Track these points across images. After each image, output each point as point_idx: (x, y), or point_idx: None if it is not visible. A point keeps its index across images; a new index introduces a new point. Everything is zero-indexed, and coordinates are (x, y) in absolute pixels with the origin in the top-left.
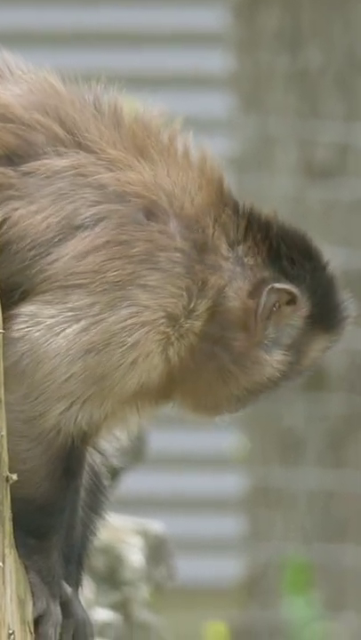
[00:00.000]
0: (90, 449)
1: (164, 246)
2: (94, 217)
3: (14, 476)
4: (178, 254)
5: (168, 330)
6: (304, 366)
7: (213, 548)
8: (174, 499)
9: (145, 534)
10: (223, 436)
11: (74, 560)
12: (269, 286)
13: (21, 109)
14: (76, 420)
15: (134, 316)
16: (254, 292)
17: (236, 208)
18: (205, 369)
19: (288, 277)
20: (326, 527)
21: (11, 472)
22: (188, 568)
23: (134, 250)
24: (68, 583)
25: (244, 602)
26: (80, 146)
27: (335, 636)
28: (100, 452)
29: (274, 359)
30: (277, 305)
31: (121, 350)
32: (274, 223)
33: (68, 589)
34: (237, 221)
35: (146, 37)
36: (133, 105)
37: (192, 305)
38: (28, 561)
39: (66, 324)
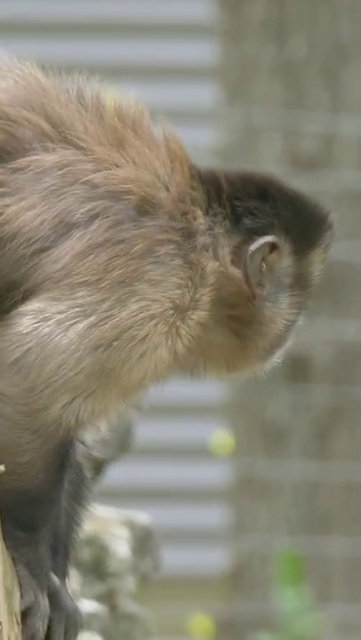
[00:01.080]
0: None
1: (161, 241)
2: (88, 214)
3: (2, 467)
4: (173, 246)
5: (176, 321)
6: (315, 284)
7: (199, 539)
8: (160, 490)
9: (131, 525)
10: (208, 428)
11: (60, 551)
12: (248, 252)
13: (7, 105)
14: (78, 413)
15: (144, 310)
16: (237, 261)
17: (200, 179)
18: (223, 342)
19: (258, 230)
20: (311, 518)
21: (8, 465)
22: (174, 559)
23: (135, 247)
24: (55, 574)
25: (230, 593)
26: (67, 141)
27: (322, 627)
28: (81, 443)
29: (283, 307)
30: (263, 261)
31: (130, 345)
32: (222, 181)
33: (56, 580)
34: (203, 193)
35: (131, 28)
36: (115, 95)
37: (198, 295)
38: (16, 553)
39: (76, 320)
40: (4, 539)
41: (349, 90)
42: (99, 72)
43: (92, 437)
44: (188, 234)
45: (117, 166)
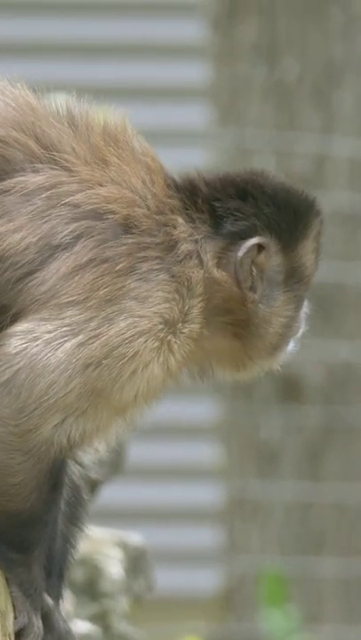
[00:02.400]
0: (69, 461)
1: (142, 257)
2: (72, 234)
3: None
4: (155, 262)
5: (167, 336)
6: (312, 273)
7: (191, 560)
8: (152, 510)
9: (124, 546)
10: (201, 448)
11: (55, 573)
12: (237, 258)
13: None
14: (69, 433)
15: (132, 327)
16: (225, 265)
17: (176, 186)
18: (226, 346)
19: (241, 232)
20: (303, 539)
21: (0, 486)
22: (167, 580)
23: (118, 266)
24: (48, 595)
25: (222, 614)
26: (54, 162)
27: None
28: (79, 465)
29: (279, 305)
30: (253, 264)
31: (121, 363)
32: (201, 185)
33: (50, 602)
34: (179, 200)
35: (124, 49)
36: (103, 115)
37: (186, 307)
38: (9, 574)
39: (64, 339)
40: None
41: (341, 111)
42: (91, 93)
43: (90, 459)
44: (170, 246)
45: (100, 185)
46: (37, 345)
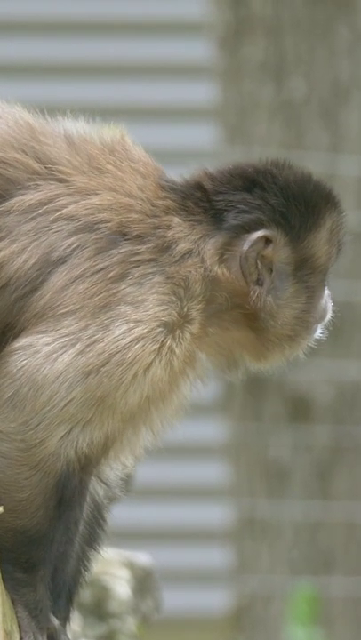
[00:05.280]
0: (93, 479)
1: (138, 261)
2: (69, 248)
3: (0, 508)
4: (148, 265)
5: (167, 338)
6: (327, 263)
7: (200, 580)
8: (161, 531)
9: (131, 566)
10: (210, 468)
11: (64, 594)
12: (242, 252)
13: None
14: (76, 444)
15: (128, 333)
16: (230, 260)
17: (172, 187)
18: (242, 339)
19: (246, 225)
20: (313, 558)
21: (7, 502)
22: (175, 600)
23: (112, 272)
24: (56, 616)
25: (231, 634)
26: (53, 176)
27: None
28: (103, 483)
29: (288, 297)
30: (259, 257)
31: (120, 369)
32: (205, 180)
33: (56, 622)
34: (174, 200)
35: (131, 69)
36: (104, 131)
37: (185, 308)
38: (15, 594)
39: (63, 350)
40: (4, 580)
41: (348, 130)
42: (98, 113)
43: (116, 475)
44: (164, 248)
45: (95, 194)
46: (37, 358)
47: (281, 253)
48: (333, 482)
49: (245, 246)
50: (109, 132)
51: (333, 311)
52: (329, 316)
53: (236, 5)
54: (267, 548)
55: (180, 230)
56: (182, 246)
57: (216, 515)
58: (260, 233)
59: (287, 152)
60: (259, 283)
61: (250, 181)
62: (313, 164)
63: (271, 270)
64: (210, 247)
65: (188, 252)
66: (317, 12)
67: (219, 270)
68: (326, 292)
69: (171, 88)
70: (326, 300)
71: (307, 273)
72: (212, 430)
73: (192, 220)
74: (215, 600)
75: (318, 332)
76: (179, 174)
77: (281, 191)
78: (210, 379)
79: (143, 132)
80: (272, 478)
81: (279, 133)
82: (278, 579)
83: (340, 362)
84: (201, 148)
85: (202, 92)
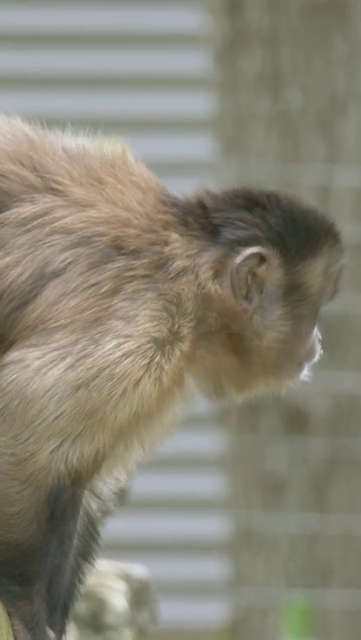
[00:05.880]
0: (86, 493)
1: (131, 277)
2: (64, 262)
3: None
4: (142, 281)
5: (155, 355)
6: (319, 296)
7: (196, 593)
8: (157, 542)
9: (128, 579)
10: (205, 480)
11: (59, 607)
12: (234, 265)
13: None
14: (67, 458)
15: (118, 348)
16: (222, 275)
17: (173, 203)
18: (227, 364)
19: (242, 241)
20: (310, 571)
21: None
22: (171, 612)
23: (105, 287)
24: (52, 629)
25: None
26: (50, 188)
27: None
28: (97, 497)
29: (274, 319)
30: (250, 274)
31: (110, 383)
32: (207, 198)
33: (52, 635)
34: (174, 215)
35: (128, 81)
36: (103, 144)
37: (176, 325)
38: (11, 607)
39: (52, 363)
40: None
41: (345, 141)
42: (95, 125)
43: (110, 489)
44: (160, 264)
45: (92, 206)
46: (27, 372)
47: (274, 274)
48: (330, 494)
49: (238, 259)
50: (110, 146)
51: (330, 323)
52: (317, 357)
53: (232, 17)
54: (263, 560)
55: (178, 247)
56: (178, 263)
57: (212, 527)
58: (254, 249)
59: (284, 164)
60: (247, 299)
61: (252, 201)
62: (310, 175)
63: (262, 291)
64: (204, 261)
65: (184, 270)
66: (314, 23)
67: (212, 287)
68: (316, 332)
69: (167, 100)
70: (315, 340)
71: (297, 299)
72: (208, 442)
73: (190, 236)
74: (211, 612)
75: (304, 373)
76: (178, 189)
77: (282, 213)
78: (199, 398)
79: (140, 143)
80: (268, 490)
81: (276, 145)
82: (275, 591)
83: (336, 374)
84: (198, 159)
85: (198, 104)
